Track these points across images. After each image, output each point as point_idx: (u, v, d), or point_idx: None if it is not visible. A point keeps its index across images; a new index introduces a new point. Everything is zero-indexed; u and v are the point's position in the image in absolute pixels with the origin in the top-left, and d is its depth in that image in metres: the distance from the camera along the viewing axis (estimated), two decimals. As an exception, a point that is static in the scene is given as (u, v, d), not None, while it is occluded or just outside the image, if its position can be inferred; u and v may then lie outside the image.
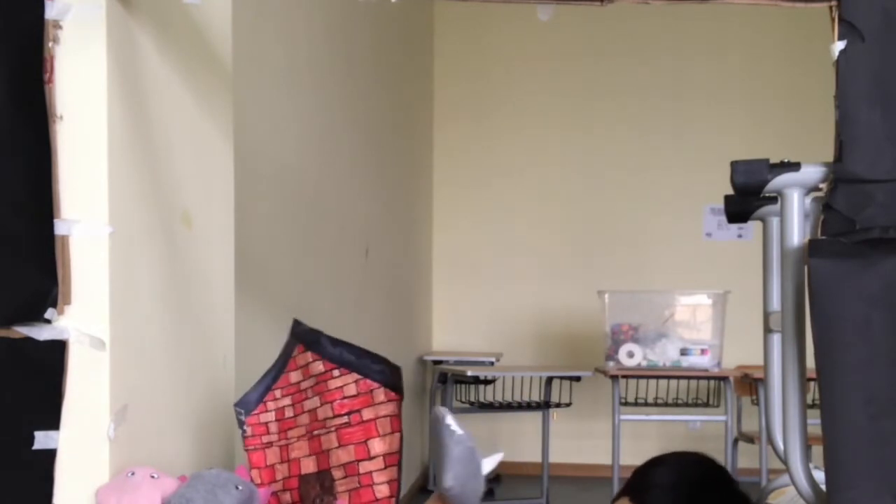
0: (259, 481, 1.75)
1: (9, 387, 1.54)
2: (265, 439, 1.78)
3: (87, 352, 1.57)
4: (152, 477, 1.58)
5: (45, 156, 1.55)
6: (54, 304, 1.55)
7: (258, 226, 2.98)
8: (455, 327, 7.07)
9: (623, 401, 5.62)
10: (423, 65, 6.89)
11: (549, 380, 5.88)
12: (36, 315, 1.54)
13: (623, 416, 5.49)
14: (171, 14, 1.85)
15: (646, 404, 5.80)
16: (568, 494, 6.05)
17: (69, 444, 1.56)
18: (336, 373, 1.71)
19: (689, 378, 5.75)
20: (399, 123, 5.95)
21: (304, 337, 1.78)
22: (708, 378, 5.66)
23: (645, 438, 6.11)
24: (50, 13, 1.55)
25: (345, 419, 1.69)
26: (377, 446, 1.68)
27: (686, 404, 5.97)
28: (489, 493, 6.18)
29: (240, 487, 1.60)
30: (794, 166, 1.47)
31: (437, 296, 7.11)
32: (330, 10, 4.06)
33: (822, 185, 1.44)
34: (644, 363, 5.51)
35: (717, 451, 5.77)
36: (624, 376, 5.57)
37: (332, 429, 1.70)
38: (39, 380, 1.56)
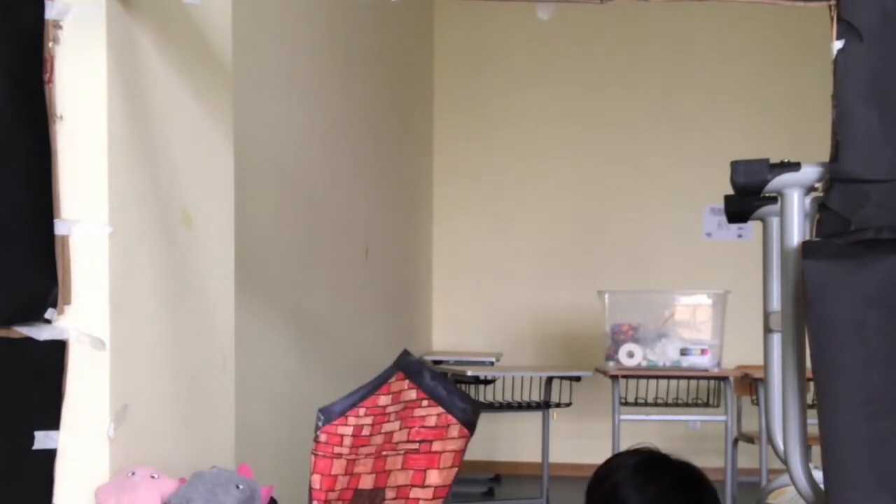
0: (318, 487, 1.78)
1: (9, 387, 1.54)
2: (336, 450, 1.82)
3: (87, 352, 1.57)
4: (152, 477, 1.58)
5: (45, 156, 1.55)
6: (54, 304, 1.55)
7: (258, 226, 2.98)
8: (455, 327, 7.06)
9: (623, 401, 5.61)
10: (423, 63, 6.89)
11: (549, 380, 5.87)
12: (36, 315, 1.54)
13: (623, 416, 5.49)
14: (171, 14, 1.86)
15: (646, 404, 5.80)
16: (568, 494, 6.02)
17: (69, 444, 1.57)
18: (425, 403, 1.79)
19: (689, 378, 5.74)
20: (399, 122, 5.95)
21: (407, 367, 1.85)
22: (708, 378, 5.65)
23: (645, 438, 6.08)
24: (50, 13, 1.55)
25: (416, 446, 1.76)
26: (433, 477, 1.74)
27: (686, 404, 5.96)
28: (489, 493, 6.18)
29: (240, 486, 1.60)
30: (795, 166, 1.47)
31: (437, 296, 7.11)
32: (330, 10, 4.06)
33: (817, 185, 1.44)
34: (644, 363, 5.51)
35: (717, 451, 5.79)
36: (624, 376, 5.56)
37: (401, 452, 1.77)
38: (39, 380, 1.56)
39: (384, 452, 1.78)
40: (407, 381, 1.81)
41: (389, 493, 1.75)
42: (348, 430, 1.82)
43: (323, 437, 1.81)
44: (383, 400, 1.83)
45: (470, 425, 1.77)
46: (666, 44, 6.94)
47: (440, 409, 1.77)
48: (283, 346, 3.39)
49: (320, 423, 1.82)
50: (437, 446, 1.75)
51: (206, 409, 2.02)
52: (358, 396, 1.85)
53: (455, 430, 1.76)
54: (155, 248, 1.78)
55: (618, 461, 1.92)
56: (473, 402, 1.79)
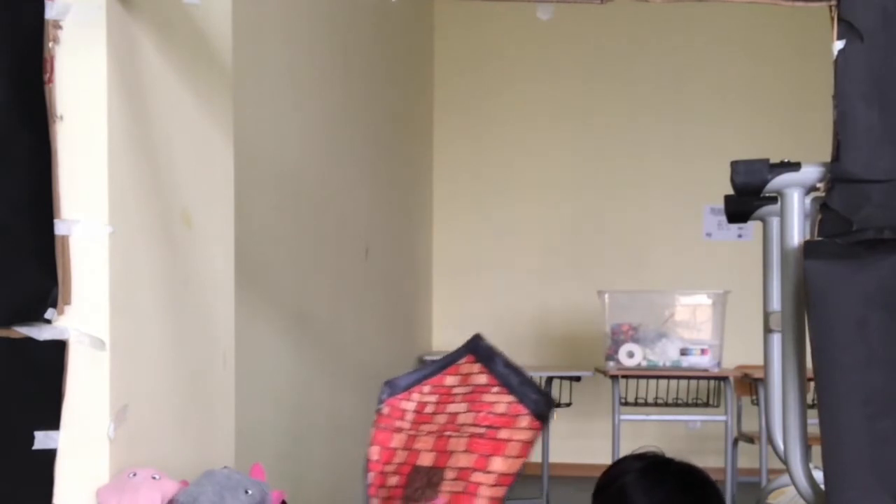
0: (376, 458, 1.79)
1: (9, 387, 1.54)
2: (398, 424, 1.82)
3: (87, 352, 1.57)
4: (154, 478, 1.57)
5: (45, 156, 1.55)
6: (54, 304, 1.55)
7: (258, 225, 2.98)
8: (455, 327, 7.05)
9: (623, 401, 5.62)
10: (423, 62, 6.89)
11: (549, 380, 5.88)
12: (36, 315, 1.54)
13: (623, 416, 5.49)
14: (171, 14, 1.85)
15: (646, 404, 5.80)
16: (568, 494, 6.03)
17: (69, 444, 1.56)
18: (495, 389, 1.78)
19: (689, 378, 5.75)
20: (399, 121, 5.95)
21: (479, 350, 1.85)
22: (708, 378, 5.65)
23: (645, 438, 6.07)
24: (50, 13, 1.55)
25: (481, 430, 1.74)
26: (497, 464, 1.71)
27: (686, 404, 5.96)
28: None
29: (249, 492, 1.58)
30: (795, 166, 1.47)
31: (437, 296, 7.11)
32: (330, 10, 4.06)
33: (819, 185, 1.44)
34: (644, 363, 5.51)
35: (717, 451, 5.79)
36: (624, 376, 5.56)
37: (466, 434, 1.75)
38: (39, 380, 1.56)
39: (447, 433, 1.76)
40: (478, 365, 1.80)
41: (449, 474, 1.72)
42: (411, 406, 1.82)
43: (385, 410, 1.80)
44: (450, 380, 1.82)
45: (542, 417, 1.74)
46: (666, 45, 6.93)
47: (511, 398, 1.75)
48: (283, 345, 3.39)
49: (384, 396, 1.82)
50: (503, 434, 1.73)
51: (206, 409, 2.02)
52: (423, 374, 1.84)
53: (525, 420, 1.73)
54: (155, 248, 1.78)
55: (624, 465, 1.94)
56: (546, 394, 1.78)
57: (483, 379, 1.79)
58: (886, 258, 1.36)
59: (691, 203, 6.85)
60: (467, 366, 1.82)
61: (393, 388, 1.83)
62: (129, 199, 1.66)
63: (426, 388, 1.83)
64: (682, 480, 1.89)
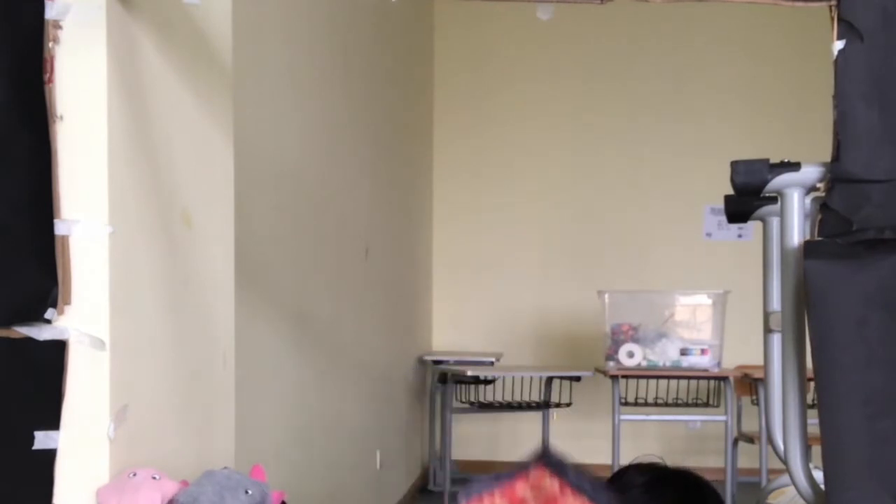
0: None
1: (9, 387, 1.54)
2: None
3: (87, 352, 1.57)
4: (154, 478, 1.57)
5: (45, 156, 1.55)
6: (54, 304, 1.55)
7: (258, 226, 2.98)
8: (455, 327, 7.06)
9: (623, 401, 5.62)
10: (423, 62, 6.89)
11: (549, 380, 5.88)
12: (36, 315, 1.54)
13: (623, 416, 5.49)
14: (171, 14, 1.85)
15: (646, 404, 5.80)
16: (568, 494, 6.04)
17: (69, 444, 1.56)
18: (569, 494, 1.83)
19: (689, 378, 5.75)
20: (399, 121, 5.95)
21: (549, 460, 1.90)
22: (708, 378, 5.66)
23: (645, 438, 6.11)
24: (50, 13, 1.55)
25: None
26: None
27: (686, 404, 5.97)
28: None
29: (249, 492, 1.58)
30: (795, 166, 1.47)
31: (437, 296, 7.11)
32: (330, 10, 4.06)
33: (819, 185, 1.44)
34: (644, 363, 5.51)
35: (717, 451, 5.80)
36: (624, 376, 5.57)
37: None
38: (39, 380, 1.56)
39: None
40: (549, 474, 1.86)
41: None
42: None
43: None
44: (520, 488, 1.88)
45: None
46: (666, 45, 6.94)
47: (585, 500, 1.81)
48: (283, 345, 3.39)
49: (462, 501, 1.87)
50: None
51: (206, 409, 2.02)
52: (494, 480, 1.90)
53: None
54: (155, 248, 1.78)
55: (627, 479, 1.98)
56: (617, 495, 1.83)
57: (556, 486, 1.85)
58: (886, 258, 1.36)
59: (691, 203, 6.85)
60: (538, 474, 1.87)
61: (466, 492, 1.88)
62: (129, 199, 1.66)
63: (497, 495, 1.88)
64: (682, 488, 1.92)
